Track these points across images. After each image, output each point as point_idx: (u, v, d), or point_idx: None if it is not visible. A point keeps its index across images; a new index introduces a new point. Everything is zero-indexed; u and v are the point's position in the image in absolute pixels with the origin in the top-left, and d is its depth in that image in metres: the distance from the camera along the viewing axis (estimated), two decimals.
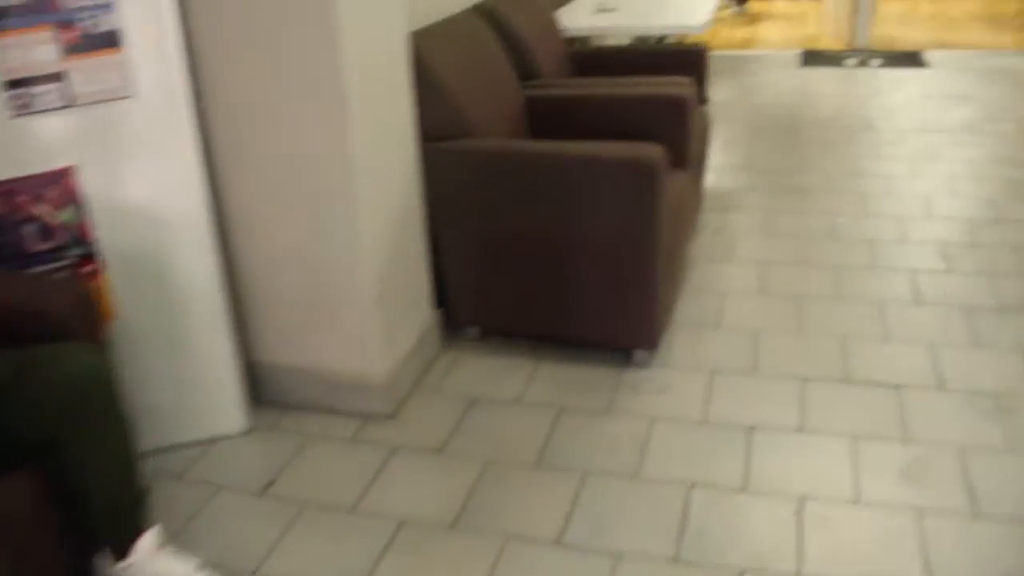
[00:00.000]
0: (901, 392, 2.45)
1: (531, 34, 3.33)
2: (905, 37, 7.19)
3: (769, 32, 7.76)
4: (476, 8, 3.15)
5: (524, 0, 3.52)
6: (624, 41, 4.58)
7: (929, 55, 6.39)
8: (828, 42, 7.10)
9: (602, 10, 4.16)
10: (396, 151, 2.42)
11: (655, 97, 2.92)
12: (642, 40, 4.64)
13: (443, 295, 2.77)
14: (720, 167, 4.26)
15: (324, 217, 2.25)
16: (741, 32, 7.72)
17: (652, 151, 2.34)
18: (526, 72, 3.19)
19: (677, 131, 2.91)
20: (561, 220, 2.48)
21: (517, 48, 3.18)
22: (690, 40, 3.98)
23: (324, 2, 2.00)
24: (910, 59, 6.31)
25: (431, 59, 2.55)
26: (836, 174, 4.09)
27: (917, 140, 4.53)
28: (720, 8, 8.67)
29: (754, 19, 8.31)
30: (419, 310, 2.65)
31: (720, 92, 5.66)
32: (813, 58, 6.50)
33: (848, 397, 2.45)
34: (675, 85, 2.98)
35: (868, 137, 4.60)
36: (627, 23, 3.88)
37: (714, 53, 6.85)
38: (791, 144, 4.57)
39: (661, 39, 4.28)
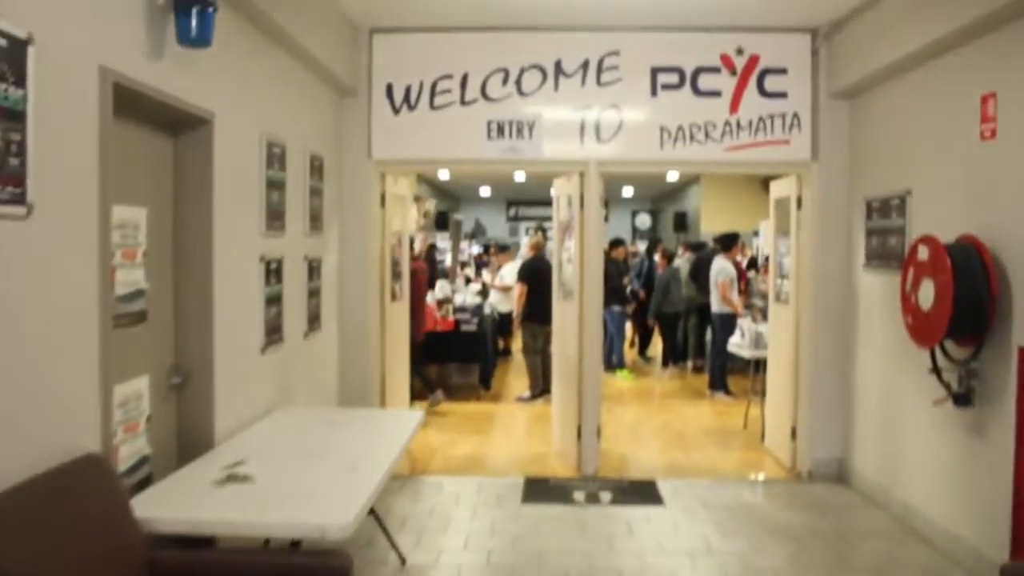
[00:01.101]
0: None
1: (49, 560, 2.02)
2: (636, 459, 6.58)
3: (491, 448, 6.91)
4: None
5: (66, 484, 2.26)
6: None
7: (663, 486, 5.71)
8: (555, 464, 6.34)
9: (232, 478, 2.98)
10: None
11: None
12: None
13: None
14: None
15: None
16: (461, 448, 6.83)
17: None
18: None
19: None
20: None
21: None
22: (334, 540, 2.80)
23: None
24: (643, 492, 5.58)
25: None
26: None
27: None
28: (430, 405, 7.92)
29: (478, 427, 7.55)
30: None
31: (421, 552, 4.48)
32: (538, 490, 5.61)
33: None
34: None
35: None
36: (242, 517, 2.65)
37: (427, 478, 5.83)
38: None
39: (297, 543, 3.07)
